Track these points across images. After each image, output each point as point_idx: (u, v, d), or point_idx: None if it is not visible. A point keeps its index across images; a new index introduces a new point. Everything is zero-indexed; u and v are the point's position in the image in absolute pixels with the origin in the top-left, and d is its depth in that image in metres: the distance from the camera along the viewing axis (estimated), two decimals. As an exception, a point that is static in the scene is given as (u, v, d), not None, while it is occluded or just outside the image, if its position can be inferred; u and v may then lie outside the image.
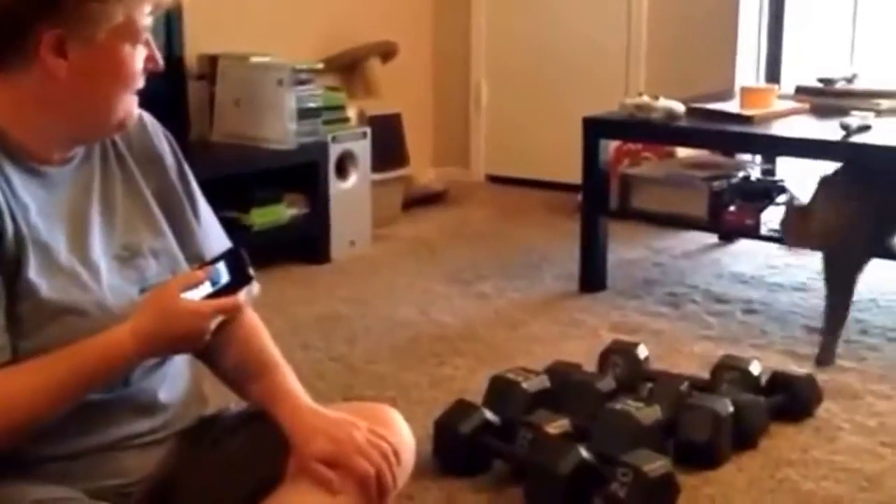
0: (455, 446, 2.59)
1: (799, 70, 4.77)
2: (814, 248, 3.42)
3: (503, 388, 2.78)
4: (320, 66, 4.54)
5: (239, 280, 1.59)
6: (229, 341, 1.76)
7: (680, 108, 3.80)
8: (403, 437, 1.75)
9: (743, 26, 5.08)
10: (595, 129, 3.93)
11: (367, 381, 3.18)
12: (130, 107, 1.62)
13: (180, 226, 1.75)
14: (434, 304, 3.88)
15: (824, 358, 3.26)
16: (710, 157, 4.31)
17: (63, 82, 1.53)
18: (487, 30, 5.79)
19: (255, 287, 1.66)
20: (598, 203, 3.98)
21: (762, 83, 4.72)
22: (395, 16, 5.53)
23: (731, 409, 2.65)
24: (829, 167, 3.48)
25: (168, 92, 4.08)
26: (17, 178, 1.55)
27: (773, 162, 4.53)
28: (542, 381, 2.79)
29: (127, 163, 1.70)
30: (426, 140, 5.88)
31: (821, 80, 4.11)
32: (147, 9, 1.57)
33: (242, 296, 1.61)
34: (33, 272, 1.52)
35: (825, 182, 3.37)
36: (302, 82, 4.31)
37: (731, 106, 3.93)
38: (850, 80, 4.10)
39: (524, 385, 2.74)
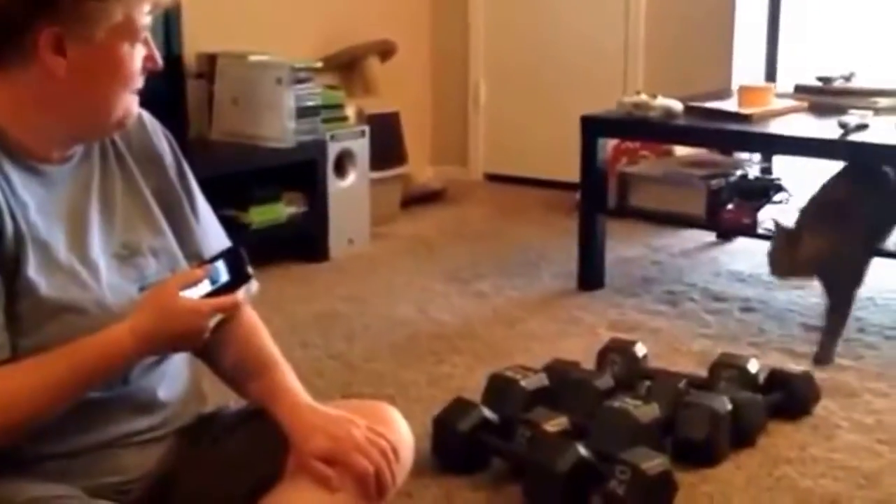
0: (454, 444, 2.59)
1: (797, 69, 4.77)
2: (804, 277, 3.39)
3: (502, 386, 2.78)
4: (319, 64, 4.54)
5: (238, 279, 1.59)
6: (228, 339, 1.76)
7: (678, 106, 3.80)
8: (402, 434, 1.75)
9: (741, 25, 5.08)
10: (593, 127, 3.93)
11: (365, 379, 3.19)
12: (130, 106, 1.63)
13: (179, 224, 1.75)
14: (432, 303, 3.88)
15: (823, 357, 3.26)
16: (708, 156, 4.31)
17: (62, 81, 1.54)
18: (486, 29, 5.79)
19: (253, 285, 1.67)
20: (597, 201, 3.98)
21: (760, 82, 4.72)
22: (394, 14, 5.53)
23: (729, 407, 2.66)
24: (828, 166, 3.49)
25: (167, 90, 4.08)
26: (16, 177, 1.55)
27: (770, 160, 4.53)
28: (541, 380, 2.79)
29: (126, 161, 1.70)
30: (425, 138, 5.88)
31: (819, 79, 4.12)
32: (146, 8, 1.58)
33: (241, 294, 1.61)
34: (32, 270, 1.52)
35: (812, 206, 3.37)
36: (300, 81, 4.31)
37: (729, 104, 3.93)
38: (848, 79, 4.10)
39: (523, 383, 2.75)
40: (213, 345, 1.68)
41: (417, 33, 5.77)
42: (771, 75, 4.87)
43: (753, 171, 4.22)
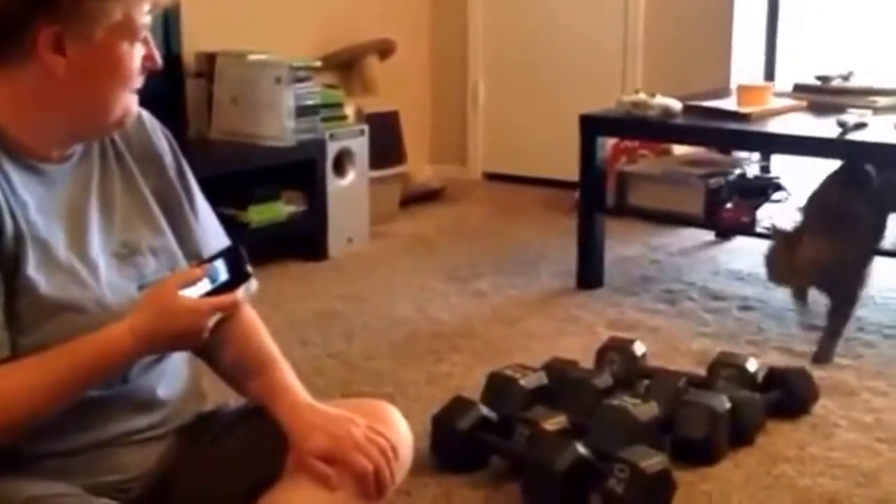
0: (453, 443, 2.59)
1: (796, 68, 4.77)
2: (802, 283, 3.35)
3: (501, 384, 2.78)
4: (318, 63, 4.54)
5: (237, 277, 1.59)
6: (228, 338, 1.77)
7: (676, 105, 3.80)
8: (401, 433, 1.75)
9: (739, 24, 5.09)
10: (592, 126, 3.94)
11: (365, 378, 3.19)
12: (129, 105, 1.63)
13: (179, 223, 1.75)
14: (431, 302, 3.89)
15: (822, 356, 3.26)
16: (706, 155, 4.32)
17: (61, 80, 1.54)
18: (485, 28, 5.80)
19: (253, 284, 1.67)
20: (595, 200, 3.99)
21: (759, 81, 4.73)
22: (393, 14, 5.53)
23: (727, 405, 2.66)
24: (827, 164, 3.49)
25: (166, 90, 4.08)
26: (16, 176, 1.55)
27: (769, 159, 4.54)
28: (540, 378, 2.79)
29: (126, 161, 1.71)
30: (424, 137, 5.88)
31: (818, 78, 4.12)
32: (146, 7, 1.58)
33: (240, 293, 1.61)
34: (32, 269, 1.53)
35: (808, 209, 3.36)
36: (300, 80, 4.32)
37: (728, 103, 3.93)
38: (846, 78, 4.10)
39: (522, 382, 2.75)
40: (212, 343, 1.69)
41: (416, 32, 5.78)
42: (769, 74, 4.87)
43: (752, 170, 4.22)
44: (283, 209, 4.35)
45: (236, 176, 4.13)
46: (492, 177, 5.89)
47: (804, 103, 3.99)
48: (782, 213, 3.75)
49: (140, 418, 1.67)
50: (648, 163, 4.41)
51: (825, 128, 3.55)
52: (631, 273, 4.22)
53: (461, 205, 5.40)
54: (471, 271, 4.24)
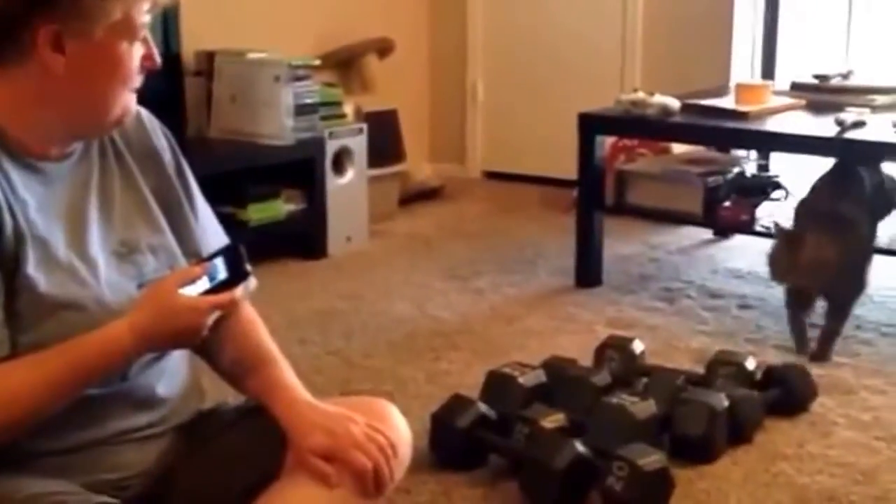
0: (451, 441, 2.60)
1: (794, 66, 4.78)
2: (805, 282, 3.30)
3: (499, 382, 2.78)
4: (317, 62, 4.54)
5: (236, 276, 1.59)
6: (227, 336, 1.77)
7: (675, 104, 3.80)
8: (400, 431, 1.75)
9: (738, 22, 5.09)
10: (591, 125, 3.94)
11: (364, 376, 3.19)
12: (128, 104, 1.63)
13: (178, 222, 1.76)
14: (430, 300, 3.89)
15: (820, 355, 3.26)
16: (705, 153, 4.32)
17: (60, 78, 1.54)
18: (484, 26, 5.80)
19: (252, 282, 1.67)
20: (594, 199, 3.99)
21: (757, 79, 4.73)
22: (392, 12, 5.53)
23: (726, 403, 2.66)
24: (825, 163, 3.49)
25: (165, 88, 4.08)
26: (15, 175, 1.55)
27: (768, 158, 4.54)
28: (538, 376, 2.80)
29: (125, 159, 1.71)
30: (423, 136, 5.88)
31: (816, 77, 4.12)
32: (145, 7, 1.58)
33: (239, 291, 1.61)
34: (32, 267, 1.53)
35: (806, 209, 3.35)
36: (299, 78, 4.32)
37: (727, 102, 3.94)
38: (845, 77, 4.11)
39: (520, 380, 2.75)
40: (211, 341, 1.69)
41: (415, 31, 5.78)
42: (768, 73, 4.87)
43: (751, 169, 4.23)
44: (282, 208, 4.36)
45: (235, 174, 4.13)
46: (491, 175, 5.89)
47: (802, 102, 3.99)
48: (781, 212, 3.75)
49: (139, 416, 1.67)
50: (647, 161, 4.42)
51: (823, 126, 3.55)
52: (630, 271, 4.22)
53: (460, 203, 5.40)
54: (470, 270, 4.24)
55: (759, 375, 2.94)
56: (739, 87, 4.05)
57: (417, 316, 3.73)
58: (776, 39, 4.94)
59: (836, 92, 4.00)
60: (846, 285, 3.30)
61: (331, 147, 4.46)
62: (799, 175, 3.92)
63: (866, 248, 3.31)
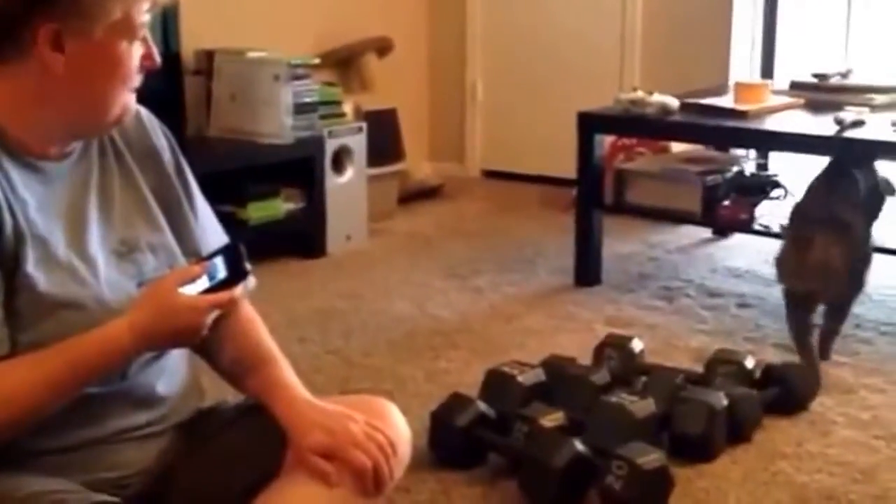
0: (451, 439, 2.60)
1: (793, 65, 4.78)
2: (812, 285, 3.25)
3: (499, 381, 2.79)
4: (316, 61, 4.55)
5: (236, 275, 1.59)
6: (226, 335, 1.77)
7: (674, 103, 3.81)
8: (400, 429, 1.75)
9: (737, 21, 5.09)
10: (590, 124, 3.94)
11: (363, 375, 3.20)
12: (127, 103, 1.63)
13: (178, 221, 1.76)
14: (430, 299, 3.89)
15: (820, 354, 3.25)
16: (704, 152, 4.32)
17: (60, 77, 1.54)
18: (483, 25, 5.80)
19: (251, 281, 1.68)
20: (593, 198, 3.99)
21: (756, 78, 4.73)
22: (391, 11, 5.54)
23: (725, 402, 2.66)
24: (824, 162, 3.49)
25: (165, 87, 4.08)
26: (15, 174, 1.56)
27: (767, 157, 4.54)
28: (538, 375, 2.80)
29: (125, 159, 1.71)
30: (422, 135, 5.88)
31: (815, 76, 4.13)
32: (145, 6, 1.58)
33: (239, 290, 1.61)
34: (31, 266, 1.53)
35: (805, 211, 3.33)
36: (298, 77, 4.32)
37: (726, 101, 3.94)
38: (844, 76, 4.11)
39: (520, 378, 2.75)
40: (210, 340, 1.69)
41: (415, 30, 5.78)
42: (767, 72, 4.88)
43: (749, 168, 4.23)
44: (281, 206, 4.36)
45: (235, 173, 4.13)
46: (490, 174, 5.90)
47: (801, 101, 3.99)
48: (780, 211, 3.75)
49: (139, 415, 1.67)
50: (646, 160, 4.42)
51: (822, 125, 3.55)
52: (629, 270, 4.23)
53: (459, 202, 5.40)
54: (469, 268, 4.24)
55: (758, 374, 2.94)
56: (738, 86, 4.05)
57: (417, 315, 3.73)
58: (775, 38, 4.94)
59: (835, 91, 4.00)
60: (847, 287, 3.30)
61: (330, 146, 4.46)
62: (798, 174, 3.93)
63: (864, 250, 3.31)
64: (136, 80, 1.62)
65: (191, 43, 4.42)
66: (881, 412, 2.90)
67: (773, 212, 3.81)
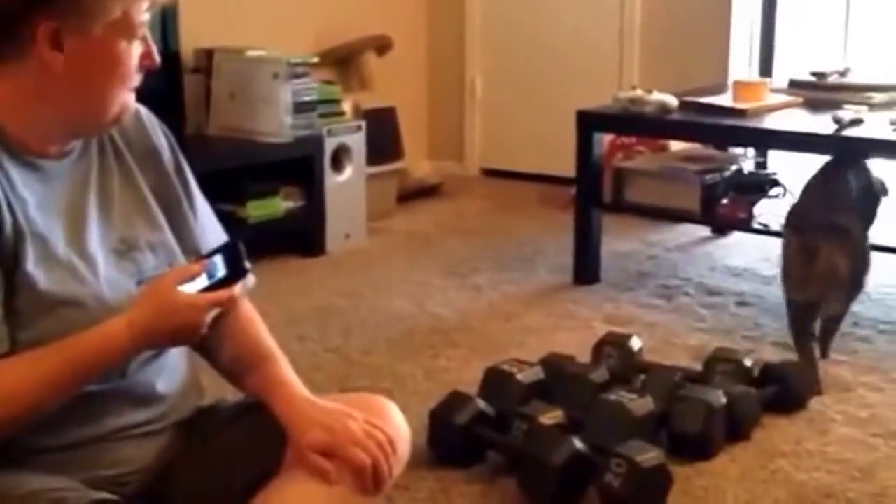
0: (450, 437, 2.60)
1: (792, 64, 4.78)
2: (817, 293, 3.21)
3: (498, 379, 2.79)
4: (315, 59, 4.55)
5: (235, 273, 1.60)
6: (226, 333, 1.77)
7: (673, 101, 3.81)
8: (399, 427, 1.75)
9: (736, 20, 5.09)
10: (589, 122, 3.94)
11: (362, 373, 3.20)
12: (127, 102, 1.63)
13: (177, 219, 1.76)
14: (429, 297, 3.89)
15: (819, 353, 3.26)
16: (703, 151, 4.32)
17: (59, 76, 1.54)
18: (482, 24, 5.80)
19: (250, 280, 1.68)
20: (592, 196, 3.99)
21: (755, 77, 4.73)
22: (390, 10, 5.54)
23: (723, 400, 2.67)
24: (823, 160, 3.49)
25: (164, 86, 4.08)
26: (15, 173, 1.56)
27: (765, 155, 4.54)
28: (537, 373, 2.80)
29: (124, 157, 1.71)
30: (421, 133, 5.89)
31: (814, 74, 4.13)
32: (144, 6, 1.58)
33: (238, 288, 1.62)
34: (31, 265, 1.53)
35: (802, 212, 3.31)
36: (297, 76, 4.32)
37: (724, 99, 3.94)
38: (842, 74, 4.11)
39: (519, 376, 2.76)
40: (210, 339, 1.69)
41: (414, 28, 5.78)
42: (766, 70, 4.87)
43: (748, 166, 4.23)
44: (280, 205, 4.36)
45: (234, 172, 4.13)
46: (489, 172, 5.90)
47: (800, 99, 3.99)
48: (779, 209, 3.75)
49: (138, 413, 1.67)
50: (645, 159, 4.42)
51: (821, 124, 3.55)
52: (627, 268, 4.23)
53: (458, 200, 5.40)
54: (468, 267, 4.25)
55: (756, 372, 2.95)
56: (737, 84, 4.05)
57: (416, 313, 3.73)
58: (774, 37, 4.93)
59: (833, 89, 4.00)
60: (849, 293, 3.29)
61: (329, 144, 4.46)
62: (797, 172, 3.93)
63: (864, 254, 3.30)
64: (136, 79, 1.62)
65: (190, 42, 4.42)
66: (879, 410, 2.90)
67: (772, 210, 3.81)
